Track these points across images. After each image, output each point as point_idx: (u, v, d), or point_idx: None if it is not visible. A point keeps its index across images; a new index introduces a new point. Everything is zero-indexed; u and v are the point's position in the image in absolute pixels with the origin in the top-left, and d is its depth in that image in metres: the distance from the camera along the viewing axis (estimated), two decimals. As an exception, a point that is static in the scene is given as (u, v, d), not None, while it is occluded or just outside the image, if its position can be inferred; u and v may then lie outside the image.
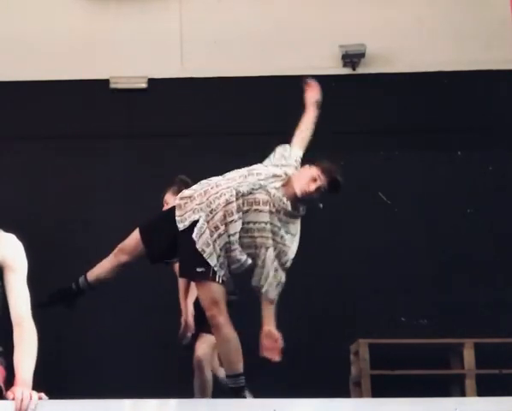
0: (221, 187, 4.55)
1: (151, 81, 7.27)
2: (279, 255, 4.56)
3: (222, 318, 4.44)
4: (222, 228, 4.48)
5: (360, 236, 6.90)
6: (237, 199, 4.52)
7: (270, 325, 4.57)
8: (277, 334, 4.58)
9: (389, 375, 6.17)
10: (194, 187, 4.68)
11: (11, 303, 3.23)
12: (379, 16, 7.37)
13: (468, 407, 3.29)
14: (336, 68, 7.36)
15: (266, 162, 4.82)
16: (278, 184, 4.64)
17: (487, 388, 5.68)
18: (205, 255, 4.43)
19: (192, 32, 7.42)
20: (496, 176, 7.07)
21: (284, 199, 4.59)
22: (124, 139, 7.19)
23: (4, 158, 6.92)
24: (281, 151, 4.91)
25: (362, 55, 7.28)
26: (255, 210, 4.55)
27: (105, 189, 7.04)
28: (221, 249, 4.47)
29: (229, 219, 4.50)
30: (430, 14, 7.39)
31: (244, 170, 4.67)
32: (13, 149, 7.07)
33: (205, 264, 4.44)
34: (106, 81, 7.24)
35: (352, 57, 7.30)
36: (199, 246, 4.45)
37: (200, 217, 4.49)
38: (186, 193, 4.65)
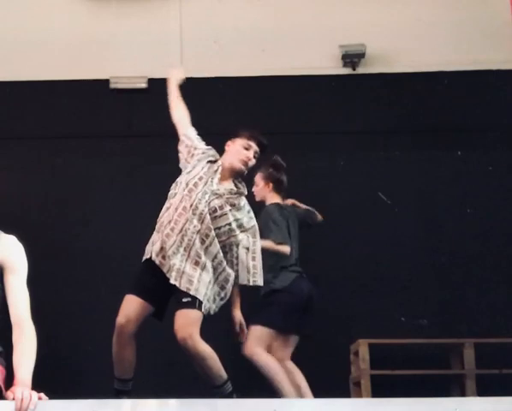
0: (181, 222, 4.53)
1: (151, 81, 7.27)
2: (248, 240, 4.69)
3: (195, 338, 4.40)
4: (203, 257, 4.52)
5: (359, 236, 6.89)
6: (202, 221, 4.54)
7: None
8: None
9: (389, 375, 6.17)
10: (154, 236, 4.66)
11: (11, 304, 3.23)
12: (379, 16, 7.37)
13: (468, 407, 3.29)
14: (336, 68, 7.36)
15: (184, 165, 4.84)
16: (216, 178, 4.68)
17: (487, 388, 5.67)
18: (191, 292, 4.44)
19: (192, 32, 7.42)
20: (496, 176, 7.07)
21: (232, 186, 4.70)
22: (124, 139, 7.19)
23: (4, 158, 6.92)
24: (184, 146, 4.90)
25: (362, 55, 7.28)
26: (218, 217, 4.59)
27: (105, 189, 7.04)
28: (209, 281, 4.52)
29: (207, 243, 4.54)
30: (430, 14, 7.39)
31: (180, 190, 4.64)
32: (12, 149, 7.07)
33: (191, 295, 4.45)
34: (106, 81, 7.24)
35: (352, 57, 7.30)
36: (182, 286, 4.45)
37: (176, 259, 4.49)
38: (156, 248, 4.59)
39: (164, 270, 4.53)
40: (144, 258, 4.68)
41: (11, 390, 3.02)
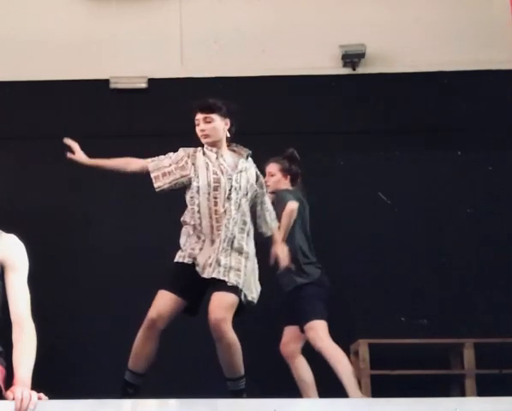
0: (220, 220, 4.58)
1: (151, 81, 7.27)
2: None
3: (226, 325, 4.42)
4: (244, 247, 4.61)
5: (359, 236, 6.89)
6: (238, 208, 4.63)
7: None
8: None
9: (389, 375, 6.17)
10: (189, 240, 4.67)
11: (11, 303, 3.23)
12: (379, 16, 7.37)
13: (468, 407, 3.29)
14: (336, 68, 7.36)
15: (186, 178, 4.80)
16: (216, 162, 4.78)
17: (487, 388, 5.68)
18: (240, 286, 4.50)
19: (192, 32, 7.42)
20: (496, 176, 7.06)
21: (230, 156, 4.79)
22: (124, 139, 7.18)
23: (4, 158, 6.91)
24: (168, 165, 4.81)
25: (362, 55, 7.28)
26: (246, 193, 4.71)
27: (105, 189, 7.03)
28: (253, 269, 4.64)
29: (246, 229, 4.65)
30: (430, 14, 7.39)
31: (205, 190, 4.68)
32: (13, 149, 7.07)
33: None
34: (106, 81, 7.23)
35: (352, 57, 7.29)
36: (231, 281, 4.49)
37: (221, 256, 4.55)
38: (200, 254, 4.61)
39: (210, 270, 4.53)
40: (180, 261, 4.65)
41: (11, 389, 3.02)
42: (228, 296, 4.46)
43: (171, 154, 4.78)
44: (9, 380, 3.13)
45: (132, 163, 4.84)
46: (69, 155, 4.85)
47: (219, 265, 4.50)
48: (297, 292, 5.46)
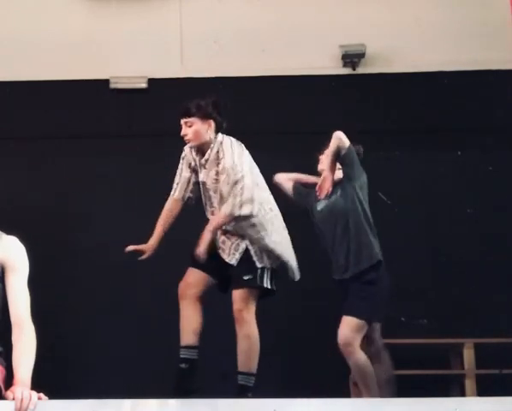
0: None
1: (151, 81, 7.28)
2: None
3: (248, 315, 4.55)
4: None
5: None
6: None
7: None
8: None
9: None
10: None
11: (11, 304, 3.24)
12: (379, 16, 7.37)
13: (468, 407, 3.29)
14: (336, 68, 7.36)
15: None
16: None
17: (487, 388, 5.68)
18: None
19: (192, 32, 7.42)
20: (496, 176, 7.06)
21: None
22: (124, 139, 7.19)
23: (4, 158, 6.91)
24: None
25: (362, 55, 7.28)
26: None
27: (105, 189, 7.04)
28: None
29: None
30: (430, 14, 7.39)
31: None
32: (13, 149, 7.07)
33: (252, 271, 4.61)
34: (106, 81, 7.23)
35: (352, 57, 7.30)
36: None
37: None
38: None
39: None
40: None
41: (11, 389, 3.02)
42: (250, 292, 4.62)
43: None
44: (9, 380, 3.13)
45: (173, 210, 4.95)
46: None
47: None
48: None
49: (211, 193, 4.74)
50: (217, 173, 4.69)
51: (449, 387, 6.49)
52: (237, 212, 4.55)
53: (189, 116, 4.72)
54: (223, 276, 4.74)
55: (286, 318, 6.66)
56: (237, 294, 4.60)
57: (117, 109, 7.26)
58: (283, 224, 4.83)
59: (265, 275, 4.62)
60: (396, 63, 7.34)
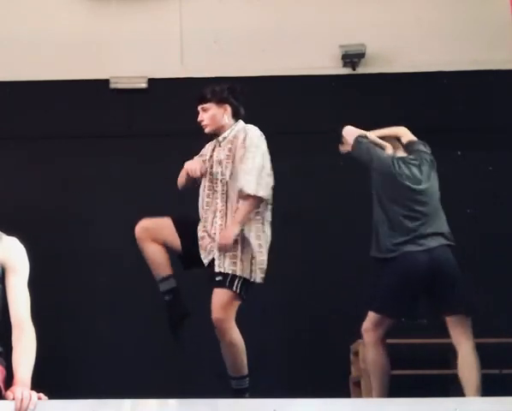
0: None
1: (151, 81, 7.28)
2: None
3: (227, 324, 4.44)
4: None
5: (359, 236, 6.88)
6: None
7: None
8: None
9: (390, 375, 6.16)
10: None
11: (11, 305, 3.24)
12: (379, 16, 7.37)
13: (468, 407, 3.29)
14: (336, 68, 7.36)
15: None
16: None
17: (487, 388, 5.67)
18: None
19: (192, 32, 7.43)
20: (496, 176, 7.06)
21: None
22: (124, 139, 7.19)
23: (4, 158, 6.92)
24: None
25: (362, 55, 7.29)
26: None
27: (105, 189, 7.04)
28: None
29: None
30: (430, 14, 7.39)
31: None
32: (13, 149, 7.07)
33: (223, 274, 4.47)
34: (106, 81, 7.24)
35: (352, 57, 7.30)
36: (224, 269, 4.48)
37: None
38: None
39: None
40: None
41: (11, 389, 3.03)
42: (225, 293, 4.47)
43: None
44: (9, 380, 3.13)
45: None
46: None
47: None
48: None
49: (222, 169, 4.61)
50: (230, 150, 4.63)
51: (449, 387, 6.48)
52: (260, 192, 4.47)
53: (205, 102, 4.73)
54: (191, 256, 4.63)
55: (286, 318, 6.66)
56: (215, 300, 4.46)
57: (117, 109, 7.27)
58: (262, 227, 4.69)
59: (236, 280, 4.48)
60: (396, 63, 7.34)
